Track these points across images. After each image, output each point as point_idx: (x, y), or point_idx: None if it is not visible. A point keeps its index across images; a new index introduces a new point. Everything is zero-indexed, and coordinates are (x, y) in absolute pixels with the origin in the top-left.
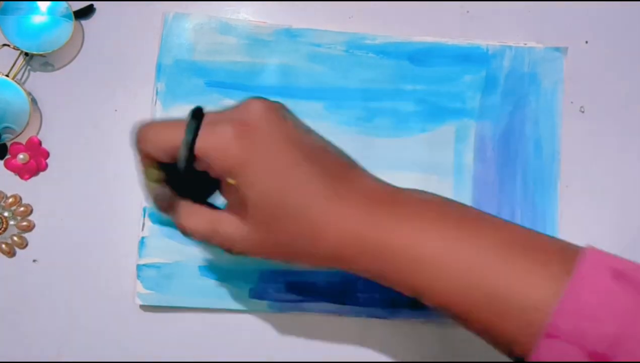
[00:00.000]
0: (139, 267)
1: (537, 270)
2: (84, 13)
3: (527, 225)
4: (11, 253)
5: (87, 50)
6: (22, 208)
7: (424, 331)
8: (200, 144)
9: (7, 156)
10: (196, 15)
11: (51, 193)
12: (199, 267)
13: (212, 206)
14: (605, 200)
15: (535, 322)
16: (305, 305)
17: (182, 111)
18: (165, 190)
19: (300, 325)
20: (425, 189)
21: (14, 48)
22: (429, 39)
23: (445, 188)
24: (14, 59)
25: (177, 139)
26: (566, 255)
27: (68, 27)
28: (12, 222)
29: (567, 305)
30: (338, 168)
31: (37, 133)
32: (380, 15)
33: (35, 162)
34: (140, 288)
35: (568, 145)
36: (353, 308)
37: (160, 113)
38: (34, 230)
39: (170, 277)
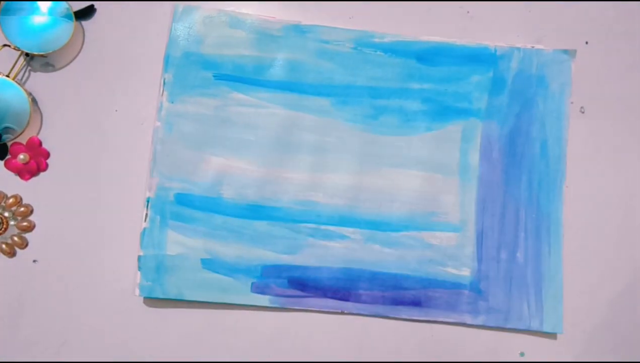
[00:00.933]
0: (140, 259)
1: None
2: (85, 13)
3: (531, 225)
4: (11, 254)
5: (87, 51)
6: (22, 209)
7: (424, 331)
8: None
9: (8, 156)
10: (206, 8)
11: (51, 193)
12: (202, 259)
13: None
14: (605, 200)
15: None
16: (307, 301)
17: (189, 103)
18: None
19: (301, 325)
20: (430, 188)
21: (14, 48)
22: (437, 38)
23: (450, 188)
24: (15, 59)
25: None
26: None
27: (68, 27)
28: (12, 222)
29: None
30: None
31: (38, 133)
32: (381, 16)
33: (36, 162)
34: (140, 279)
35: (568, 145)
36: (355, 305)
37: (166, 104)
38: (34, 231)
39: (171, 270)
